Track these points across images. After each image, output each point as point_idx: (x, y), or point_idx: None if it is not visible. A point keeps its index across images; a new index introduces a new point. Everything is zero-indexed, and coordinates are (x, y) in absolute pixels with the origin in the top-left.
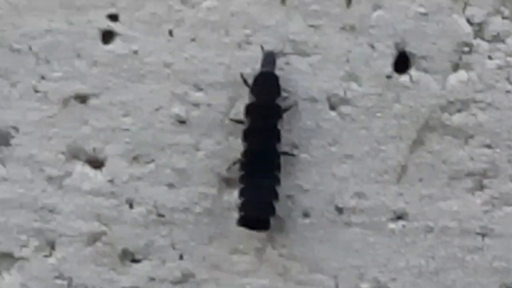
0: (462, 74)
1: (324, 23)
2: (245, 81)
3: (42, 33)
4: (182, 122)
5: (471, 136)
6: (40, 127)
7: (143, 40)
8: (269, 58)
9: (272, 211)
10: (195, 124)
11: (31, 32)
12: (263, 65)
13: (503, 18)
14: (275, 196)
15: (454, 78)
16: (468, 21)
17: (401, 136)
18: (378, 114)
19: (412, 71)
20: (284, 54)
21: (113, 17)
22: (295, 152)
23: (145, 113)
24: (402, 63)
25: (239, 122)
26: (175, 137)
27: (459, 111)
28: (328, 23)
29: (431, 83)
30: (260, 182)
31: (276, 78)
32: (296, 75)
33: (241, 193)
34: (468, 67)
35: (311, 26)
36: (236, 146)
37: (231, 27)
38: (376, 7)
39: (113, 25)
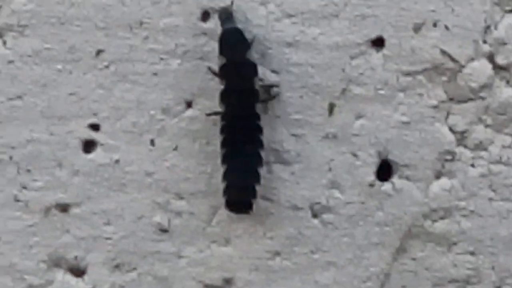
0: (445, 182)
1: (306, 132)
2: (213, 72)
3: (23, 143)
4: (164, 230)
5: (454, 243)
6: (21, 236)
7: (124, 149)
8: (226, 15)
9: (253, 194)
10: (177, 232)
11: (12, 142)
12: (223, 23)
13: (486, 126)
14: (260, 162)
15: (437, 186)
16: (451, 129)
17: (384, 244)
18: (361, 222)
19: (395, 179)
20: (267, 163)
21: (95, 127)
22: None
23: (127, 222)
24: (384, 171)
25: (217, 113)
26: (157, 245)
27: (442, 218)
28: (310, 132)
29: (413, 191)
30: (242, 147)
31: (240, 32)
32: (278, 183)
33: (223, 161)
34: (450, 175)
35: (293, 135)
36: (218, 254)
37: (213, 136)
38: (359, 116)
39: (94, 135)
